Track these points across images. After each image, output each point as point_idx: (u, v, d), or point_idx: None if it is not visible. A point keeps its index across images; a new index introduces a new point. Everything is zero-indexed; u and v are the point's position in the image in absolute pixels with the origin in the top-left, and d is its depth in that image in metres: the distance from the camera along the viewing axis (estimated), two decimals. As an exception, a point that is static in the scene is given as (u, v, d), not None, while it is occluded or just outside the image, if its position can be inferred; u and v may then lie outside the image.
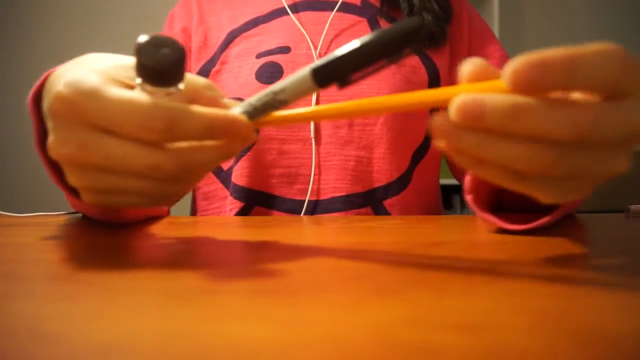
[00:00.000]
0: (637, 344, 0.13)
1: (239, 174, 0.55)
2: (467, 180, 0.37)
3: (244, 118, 0.25)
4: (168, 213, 0.55)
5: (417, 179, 0.58)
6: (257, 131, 0.55)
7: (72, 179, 0.26)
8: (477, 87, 0.20)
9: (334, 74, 0.23)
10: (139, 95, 0.23)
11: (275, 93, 0.25)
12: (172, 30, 0.64)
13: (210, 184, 0.59)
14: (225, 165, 0.58)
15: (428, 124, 0.21)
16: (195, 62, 0.62)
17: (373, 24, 0.60)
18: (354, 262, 0.23)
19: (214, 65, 0.60)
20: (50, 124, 0.25)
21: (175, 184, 0.26)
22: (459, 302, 0.16)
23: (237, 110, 0.26)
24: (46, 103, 0.26)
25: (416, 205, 0.58)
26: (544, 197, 0.21)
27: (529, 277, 0.20)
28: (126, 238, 0.31)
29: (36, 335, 0.13)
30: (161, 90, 0.24)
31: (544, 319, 0.14)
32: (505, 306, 0.16)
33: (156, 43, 0.23)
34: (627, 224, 0.39)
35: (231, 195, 0.55)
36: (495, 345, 0.13)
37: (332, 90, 0.56)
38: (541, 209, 0.38)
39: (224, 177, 0.58)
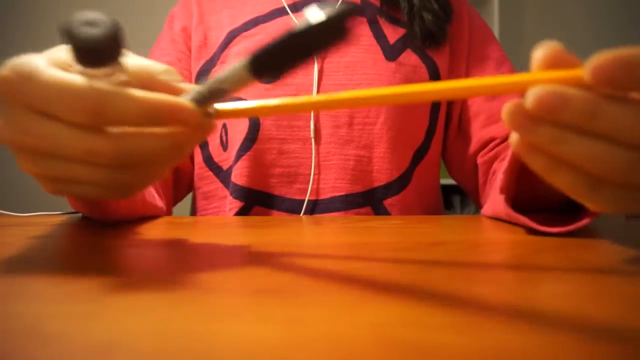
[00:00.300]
0: (638, 344, 0.13)
1: (239, 173, 0.55)
2: (502, 179, 0.37)
3: (190, 105, 0.24)
4: (169, 213, 0.55)
5: (417, 178, 0.58)
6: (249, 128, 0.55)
7: (21, 164, 0.25)
8: (552, 75, 0.19)
9: (268, 66, 0.23)
10: (74, 76, 0.23)
11: (219, 82, 0.24)
12: (172, 30, 0.64)
13: (209, 183, 0.59)
14: (225, 165, 0.58)
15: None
16: (195, 61, 0.62)
17: (373, 24, 0.60)
18: (354, 262, 0.23)
19: (214, 65, 0.60)
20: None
21: (125, 172, 0.25)
22: (460, 302, 0.16)
23: (186, 98, 0.25)
24: None
25: (416, 205, 0.58)
26: (609, 207, 0.21)
27: (529, 277, 0.20)
28: (126, 238, 0.31)
29: (36, 335, 0.13)
30: (99, 72, 0.23)
31: (544, 319, 0.14)
32: (505, 306, 0.16)
33: (84, 21, 0.22)
34: (627, 224, 0.39)
35: (231, 194, 0.55)
36: (496, 345, 0.13)
37: (333, 84, 0.56)
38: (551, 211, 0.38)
39: (224, 176, 0.58)
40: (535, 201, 0.39)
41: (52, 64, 0.24)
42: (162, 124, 0.24)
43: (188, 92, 0.26)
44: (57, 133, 0.23)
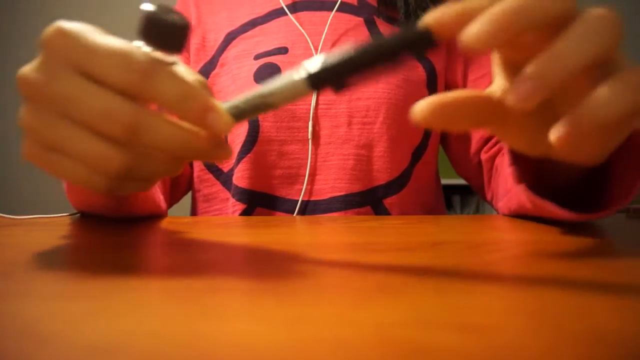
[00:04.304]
0: (638, 344, 0.13)
1: (240, 176, 0.55)
2: (513, 170, 0.36)
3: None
4: (166, 214, 0.55)
5: (416, 177, 0.59)
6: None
7: (26, 114, 0.24)
8: None
9: (331, 79, 0.22)
10: (128, 43, 0.23)
11: (264, 96, 0.24)
12: None
13: (210, 186, 0.59)
14: (226, 167, 0.58)
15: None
16: (194, 63, 0.62)
17: (370, 24, 0.60)
18: (355, 262, 0.23)
19: (214, 68, 0.60)
20: (36, 58, 0.25)
21: (124, 154, 0.24)
22: (460, 302, 0.16)
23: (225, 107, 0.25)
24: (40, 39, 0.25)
25: (416, 204, 0.58)
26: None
27: (529, 277, 0.20)
28: (125, 238, 0.31)
29: (33, 335, 0.13)
30: (163, 55, 0.24)
31: (544, 320, 0.14)
32: (506, 306, 0.16)
33: (166, 9, 0.23)
34: (628, 223, 0.39)
35: (233, 197, 0.56)
36: (496, 345, 0.12)
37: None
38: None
39: (225, 179, 0.58)
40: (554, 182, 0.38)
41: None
42: (188, 156, 0.25)
43: (224, 105, 0.25)
44: (84, 89, 0.23)
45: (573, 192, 0.37)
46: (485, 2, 0.20)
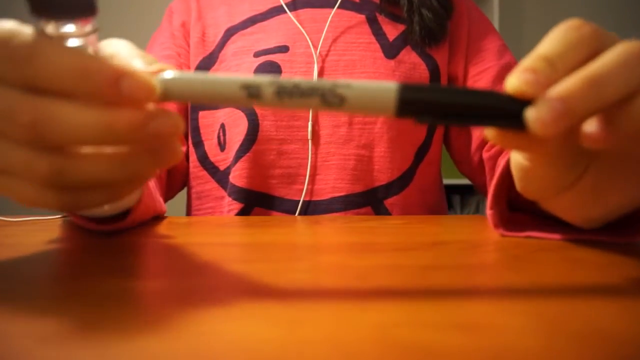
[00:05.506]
0: (638, 344, 0.13)
1: (238, 174, 0.55)
2: (491, 214, 0.35)
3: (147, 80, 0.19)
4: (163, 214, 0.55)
5: (419, 177, 0.58)
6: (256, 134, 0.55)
7: None
8: None
9: (420, 105, 0.19)
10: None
11: (337, 85, 0.19)
12: (172, 25, 0.64)
13: (203, 183, 0.59)
14: (222, 165, 0.58)
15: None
16: (194, 56, 0.62)
17: (372, 21, 0.60)
18: (355, 262, 0.23)
19: (213, 64, 0.60)
20: None
21: (63, 193, 0.20)
22: (460, 302, 0.16)
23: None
24: None
25: (419, 204, 0.58)
26: None
27: (529, 277, 0.20)
28: (125, 238, 0.31)
29: (32, 336, 0.13)
30: (59, 30, 0.20)
31: (544, 320, 0.14)
32: (506, 306, 0.16)
33: None
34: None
35: (229, 196, 0.55)
36: (496, 345, 0.12)
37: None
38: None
39: (220, 177, 0.58)
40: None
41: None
42: (104, 96, 0.19)
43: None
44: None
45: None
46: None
